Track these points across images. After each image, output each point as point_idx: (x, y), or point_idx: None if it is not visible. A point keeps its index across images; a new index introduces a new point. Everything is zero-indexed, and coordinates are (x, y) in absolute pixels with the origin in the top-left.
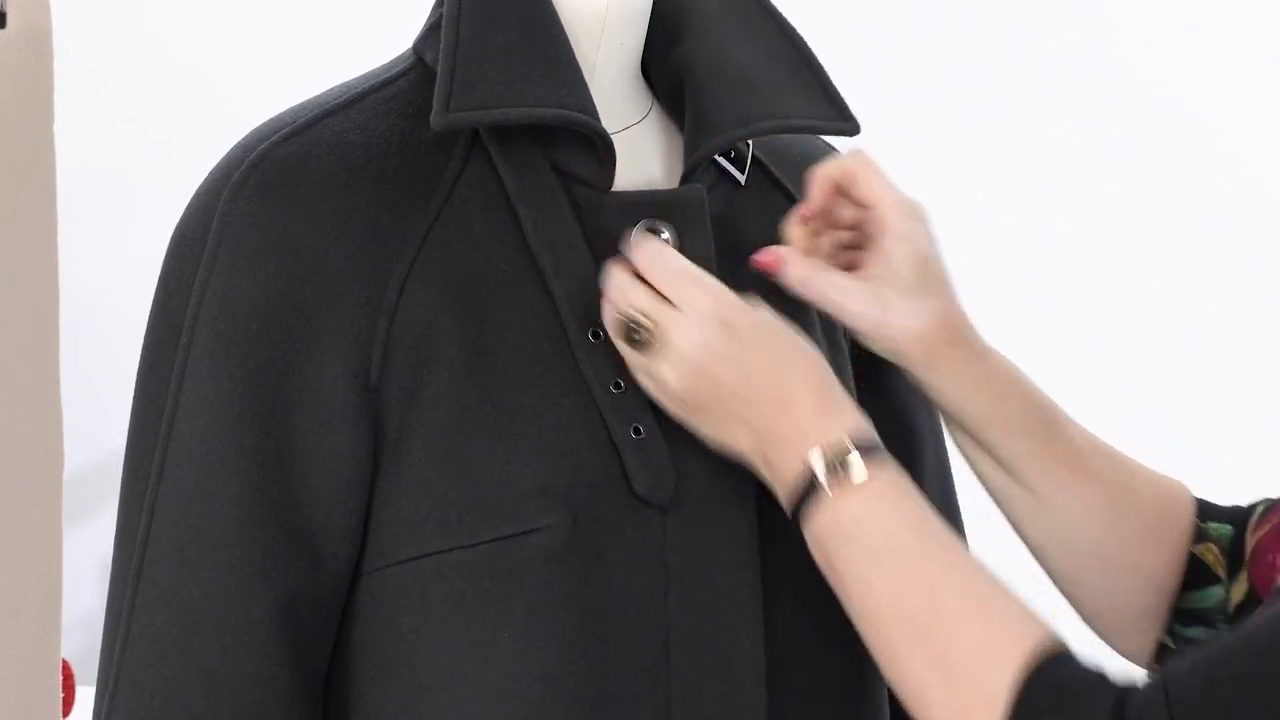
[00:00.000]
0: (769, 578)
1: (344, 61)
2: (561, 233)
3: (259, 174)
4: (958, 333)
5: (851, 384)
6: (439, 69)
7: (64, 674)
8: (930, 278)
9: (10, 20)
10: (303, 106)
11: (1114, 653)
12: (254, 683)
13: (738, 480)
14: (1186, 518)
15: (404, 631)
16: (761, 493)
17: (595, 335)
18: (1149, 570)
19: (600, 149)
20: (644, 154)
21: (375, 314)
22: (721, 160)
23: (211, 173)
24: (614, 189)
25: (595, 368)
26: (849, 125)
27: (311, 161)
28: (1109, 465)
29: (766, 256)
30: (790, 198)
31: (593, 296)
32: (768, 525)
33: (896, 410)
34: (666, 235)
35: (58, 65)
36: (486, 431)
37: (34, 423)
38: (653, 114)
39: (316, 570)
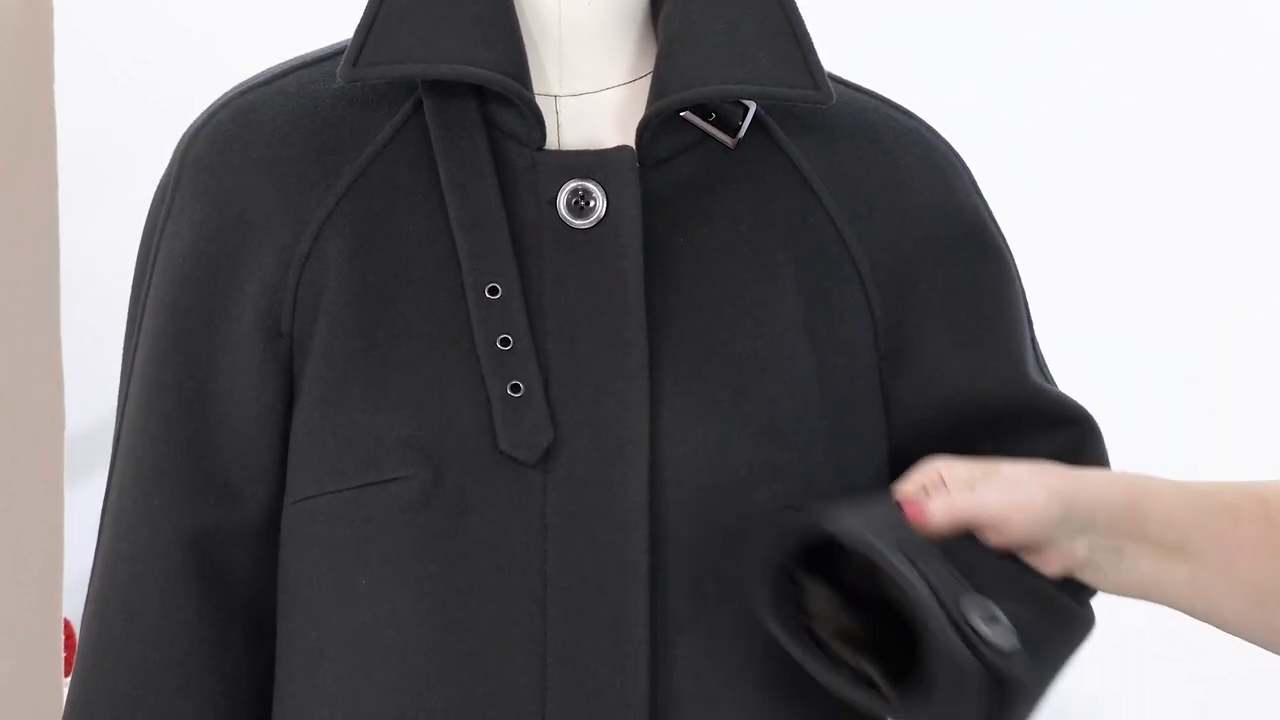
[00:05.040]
0: (665, 540)
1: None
2: (476, 187)
3: (214, 122)
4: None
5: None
6: (359, 22)
7: (65, 633)
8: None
9: None
10: (290, 60)
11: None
12: (160, 611)
13: (629, 442)
14: None
15: (291, 572)
16: (654, 456)
17: (493, 290)
18: None
19: (521, 107)
20: (609, 119)
21: (288, 262)
22: (697, 121)
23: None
24: (569, 149)
25: (486, 323)
26: (819, 94)
27: (262, 110)
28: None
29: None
30: (795, 166)
31: (497, 251)
32: (664, 488)
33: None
34: (596, 194)
35: (58, 30)
36: (364, 381)
37: (36, 386)
38: (649, 79)
39: (234, 507)
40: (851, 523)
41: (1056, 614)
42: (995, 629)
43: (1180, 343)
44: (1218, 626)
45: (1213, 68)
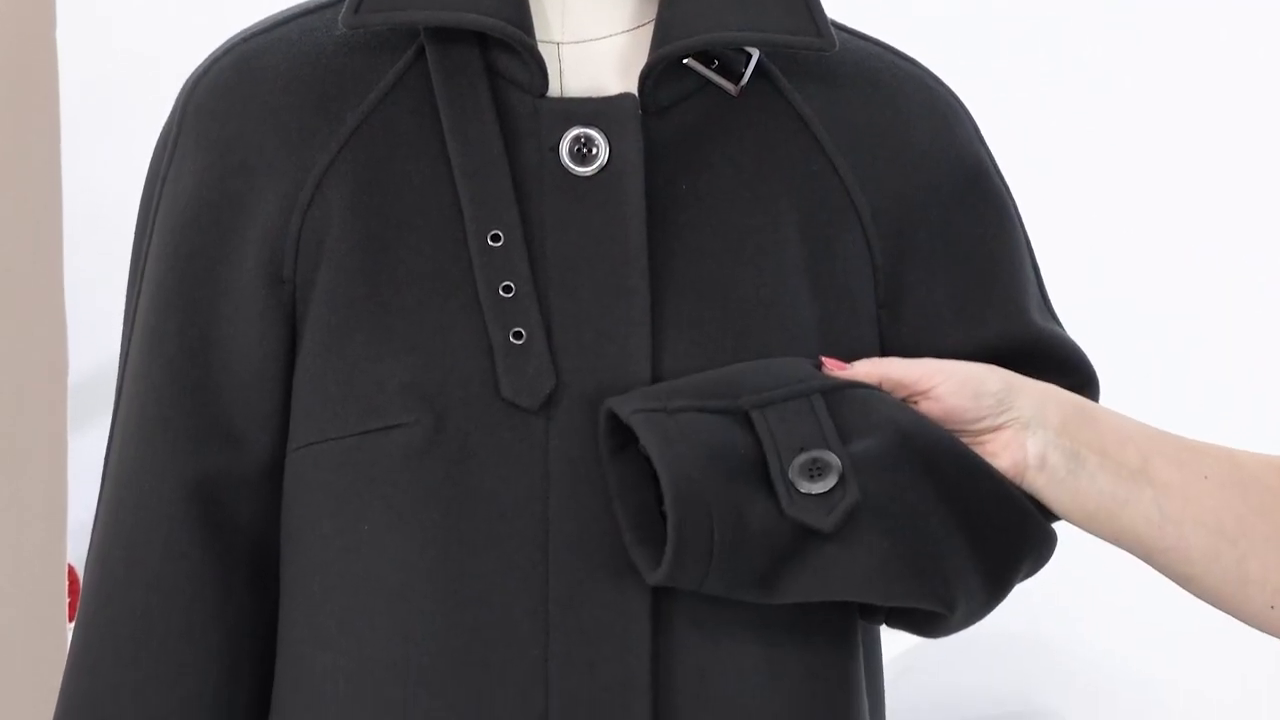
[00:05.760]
0: None
1: None
2: (478, 134)
3: (216, 69)
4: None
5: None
6: None
7: (69, 579)
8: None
9: None
10: (292, 7)
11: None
12: (164, 557)
13: (631, 388)
14: None
15: (294, 518)
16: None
17: (495, 238)
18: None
19: (523, 54)
20: (611, 66)
21: (291, 209)
22: (700, 68)
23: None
24: (571, 96)
25: (489, 270)
26: (822, 41)
27: (264, 57)
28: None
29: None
30: (797, 113)
31: (499, 198)
32: None
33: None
34: (599, 140)
35: None
36: (366, 328)
37: (39, 333)
38: (652, 26)
39: (237, 454)
40: (636, 399)
41: (1005, 503)
42: (816, 482)
43: (1180, 337)
44: (1187, 579)
45: (1213, 48)
